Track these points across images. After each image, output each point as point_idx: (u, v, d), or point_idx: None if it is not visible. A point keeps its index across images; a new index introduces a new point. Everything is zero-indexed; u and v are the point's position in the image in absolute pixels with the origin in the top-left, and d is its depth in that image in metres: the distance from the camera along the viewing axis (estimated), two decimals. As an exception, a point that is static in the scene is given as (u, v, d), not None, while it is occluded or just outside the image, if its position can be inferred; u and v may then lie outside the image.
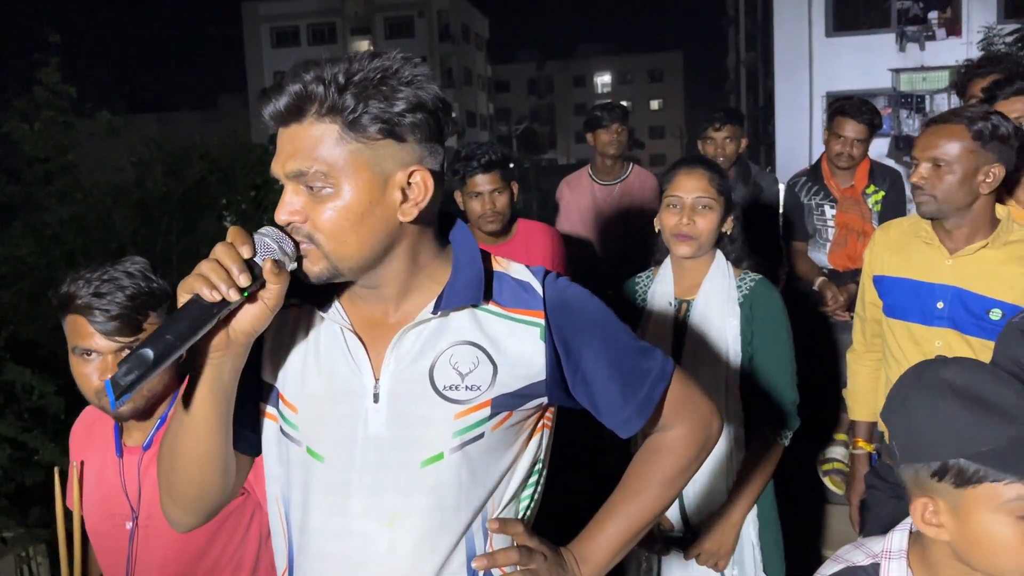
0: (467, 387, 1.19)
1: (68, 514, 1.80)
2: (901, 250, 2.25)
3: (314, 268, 1.13)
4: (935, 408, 1.16)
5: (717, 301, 2.12)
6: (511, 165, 3.04)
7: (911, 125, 18.80)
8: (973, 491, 1.13)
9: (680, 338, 2.13)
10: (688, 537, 2.11)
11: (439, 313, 1.19)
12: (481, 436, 1.20)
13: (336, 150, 1.09)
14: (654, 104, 65.49)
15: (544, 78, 66.45)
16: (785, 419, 2.10)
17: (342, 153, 1.09)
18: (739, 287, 2.14)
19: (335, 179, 1.09)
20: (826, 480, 3.50)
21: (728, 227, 2.16)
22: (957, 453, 1.12)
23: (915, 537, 1.27)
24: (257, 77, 46.11)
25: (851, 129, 3.51)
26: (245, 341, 1.10)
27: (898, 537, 1.29)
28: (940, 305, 2.15)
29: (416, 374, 1.19)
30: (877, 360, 2.41)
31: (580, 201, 4.15)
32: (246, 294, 1.05)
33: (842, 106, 3.59)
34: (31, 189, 5.63)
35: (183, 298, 1.03)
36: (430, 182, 1.15)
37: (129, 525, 1.64)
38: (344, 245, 1.11)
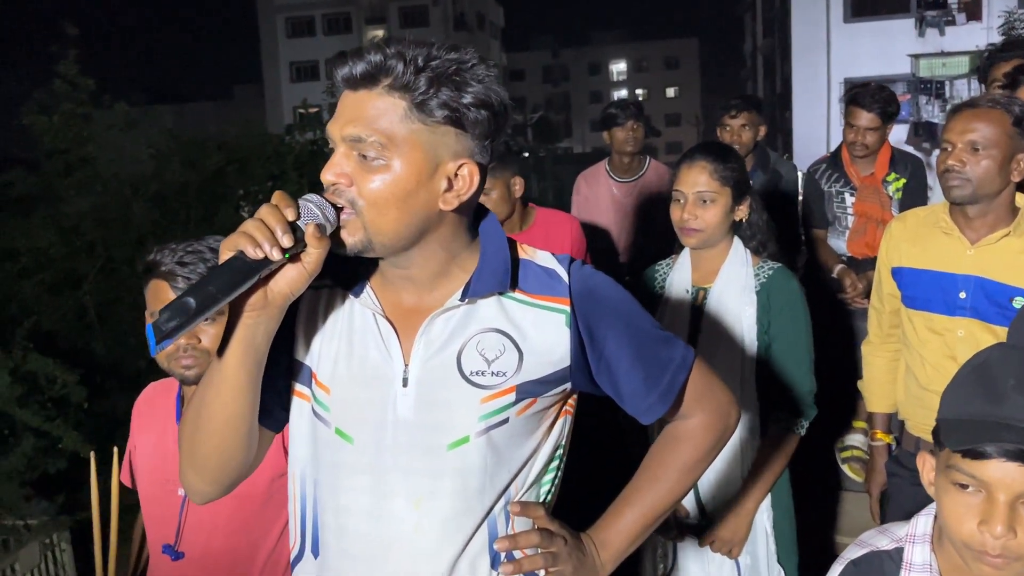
0: (493, 373, 1.21)
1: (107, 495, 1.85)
2: (919, 241, 2.23)
3: (350, 238, 1.14)
4: (955, 375, 1.24)
5: (733, 289, 2.12)
6: (525, 154, 3.02)
7: (930, 111, 18.59)
8: (942, 452, 1.20)
9: (696, 325, 2.13)
10: (703, 524, 2.12)
11: (466, 300, 1.21)
12: (506, 421, 1.22)
13: (398, 125, 1.12)
14: (670, 91, 65.03)
15: (559, 66, 66.11)
16: (801, 409, 2.10)
17: (403, 130, 1.12)
18: (757, 275, 2.13)
19: (390, 153, 1.12)
20: (845, 467, 3.50)
21: (742, 214, 2.15)
22: (940, 415, 1.21)
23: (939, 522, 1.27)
24: (272, 67, 46.20)
25: (862, 118, 3.46)
26: (281, 303, 1.12)
27: (923, 522, 1.30)
28: (963, 295, 2.13)
29: (444, 360, 1.21)
30: (894, 351, 2.40)
31: (598, 196, 4.13)
32: (287, 255, 1.08)
33: (854, 95, 3.54)
34: (51, 181, 5.67)
35: (226, 255, 1.06)
36: (476, 177, 1.18)
37: (181, 491, 1.69)
38: (384, 218, 1.13)
